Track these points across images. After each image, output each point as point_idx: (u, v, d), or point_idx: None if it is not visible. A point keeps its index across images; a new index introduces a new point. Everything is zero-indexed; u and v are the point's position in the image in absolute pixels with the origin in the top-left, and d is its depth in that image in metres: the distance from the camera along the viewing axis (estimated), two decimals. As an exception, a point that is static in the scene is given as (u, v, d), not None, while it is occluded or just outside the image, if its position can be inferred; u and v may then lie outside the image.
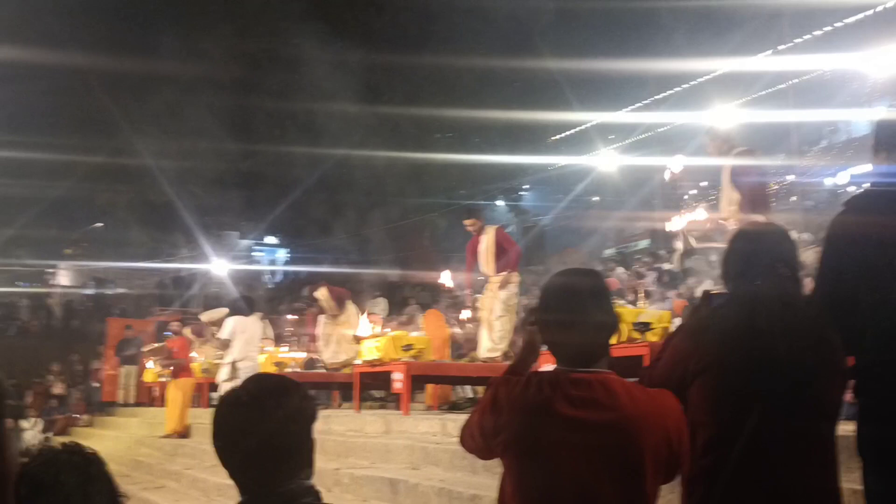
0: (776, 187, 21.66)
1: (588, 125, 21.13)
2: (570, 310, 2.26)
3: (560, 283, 2.36)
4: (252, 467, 1.91)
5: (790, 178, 20.92)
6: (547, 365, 2.53)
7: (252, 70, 22.21)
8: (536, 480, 2.18)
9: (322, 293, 12.05)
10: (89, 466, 1.91)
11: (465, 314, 10.20)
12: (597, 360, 2.25)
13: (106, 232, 28.82)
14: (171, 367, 13.32)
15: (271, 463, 1.90)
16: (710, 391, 2.41)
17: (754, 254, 2.58)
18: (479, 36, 22.31)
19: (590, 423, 2.14)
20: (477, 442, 2.34)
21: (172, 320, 16.86)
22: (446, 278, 9.78)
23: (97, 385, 19.41)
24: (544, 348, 2.44)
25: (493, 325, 9.61)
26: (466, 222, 10.09)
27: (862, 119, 22.18)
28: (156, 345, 15.72)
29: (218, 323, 11.37)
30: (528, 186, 29.31)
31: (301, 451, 1.95)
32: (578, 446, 2.13)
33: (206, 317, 13.20)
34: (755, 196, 7.01)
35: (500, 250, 9.75)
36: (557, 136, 22.81)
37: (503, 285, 9.64)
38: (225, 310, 11.66)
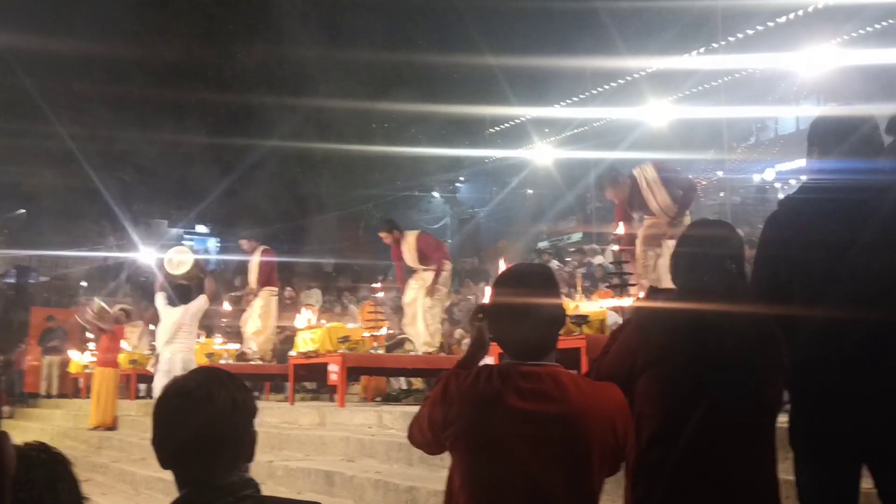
0: (705, 182, 22.17)
1: (524, 119, 21.27)
2: (522, 305, 2.26)
3: (511, 279, 2.36)
4: (193, 459, 1.90)
5: (719, 173, 21.37)
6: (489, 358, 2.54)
7: (184, 56, 21.74)
8: (485, 472, 2.17)
9: (259, 252, 11.74)
10: (57, 465, 1.89)
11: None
12: (546, 354, 2.26)
13: (29, 219, 27.95)
14: (102, 330, 12.72)
15: (212, 455, 1.89)
16: (656, 384, 2.44)
17: (703, 250, 2.62)
18: (417, 28, 22.28)
19: (539, 414, 2.15)
20: (426, 436, 2.33)
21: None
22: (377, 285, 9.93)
23: (19, 373, 18.86)
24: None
25: (425, 317, 9.75)
26: (381, 235, 10.40)
27: (789, 116, 22.79)
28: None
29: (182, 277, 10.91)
30: (463, 178, 29.39)
31: (242, 444, 1.94)
32: (527, 438, 2.14)
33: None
34: (692, 190, 7.24)
35: (423, 256, 9.93)
36: (493, 129, 22.92)
37: (432, 279, 9.84)
38: (191, 260, 11.04)
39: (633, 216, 7.47)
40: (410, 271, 10.31)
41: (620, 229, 6.29)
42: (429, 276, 9.95)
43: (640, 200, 7.21)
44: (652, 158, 7.18)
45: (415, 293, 10.00)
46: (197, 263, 10.77)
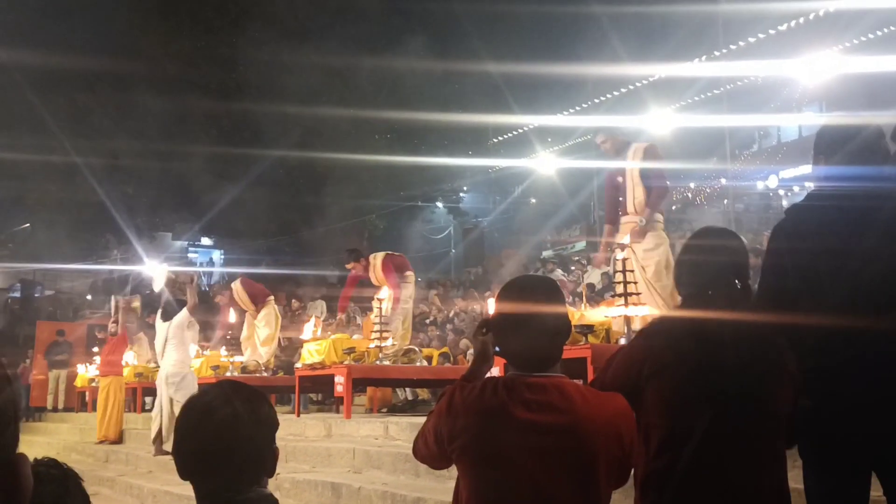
0: (708, 190, 22.18)
1: (527, 128, 21.31)
2: (525, 316, 2.26)
3: (515, 291, 2.35)
4: (208, 471, 1.89)
5: (722, 181, 21.38)
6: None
7: (187, 68, 21.83)
8: (492, 484, 2.17)
9: (236, 286, 11.82)
10: (67, 480, 1.88)
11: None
12: (551, 365, 2.25)
13: (34, 233, 28.02)
14: (113, 332, 12.81)
15: (228, 468, 1.88)
16: (662, 394, 2.44)
17: (708, 258, 2.62)
18: (419, 38, 22.33)
19: (545, 426, 2.14)
20: (431, 449, 2.32)
21: (104, 323, 16.41)
22: (383, 294, 9.94)
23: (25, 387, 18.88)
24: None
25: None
26: (348, 266, 10.51)
27: (792, 124, 22.79)
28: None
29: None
30: (467, 188, 29.41)
31: (262, 459, 1.93)
32: (534, 449, 2.13)
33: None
34: (662, 194, 7.12)
35: (389, 275, 10.03)
36: (497, 139, 22.96)
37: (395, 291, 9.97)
38: (164, 276, 10.97)
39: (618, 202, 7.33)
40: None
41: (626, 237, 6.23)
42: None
43: (621, 187, 7.11)
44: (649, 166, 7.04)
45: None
46: (171, 278, 10.80)
